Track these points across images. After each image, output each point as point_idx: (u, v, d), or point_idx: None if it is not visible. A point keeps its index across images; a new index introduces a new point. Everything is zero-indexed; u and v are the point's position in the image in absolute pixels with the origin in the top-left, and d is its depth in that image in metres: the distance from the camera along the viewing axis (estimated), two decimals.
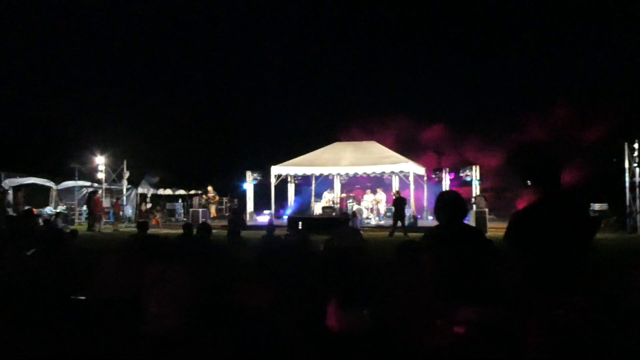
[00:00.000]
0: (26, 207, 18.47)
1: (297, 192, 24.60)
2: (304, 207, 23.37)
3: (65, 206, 22.19)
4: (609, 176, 18.74)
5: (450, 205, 3.44)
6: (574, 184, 19.32)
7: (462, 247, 3.13)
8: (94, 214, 19.00)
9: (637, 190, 16.16)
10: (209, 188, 24.25)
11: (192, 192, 28.31)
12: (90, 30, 45.79)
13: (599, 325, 3.60)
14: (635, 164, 16.20)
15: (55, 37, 40.17)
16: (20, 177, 20.73)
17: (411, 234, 14.57)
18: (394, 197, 17.10)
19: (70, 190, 23.35)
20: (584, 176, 20.89)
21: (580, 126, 24.72)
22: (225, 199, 27.99)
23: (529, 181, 3.21)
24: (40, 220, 15.07)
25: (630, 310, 4.70)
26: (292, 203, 23.82)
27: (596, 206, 17.69)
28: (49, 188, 22.88)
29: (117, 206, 21.07)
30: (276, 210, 21.35)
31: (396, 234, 15.22)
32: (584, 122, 24.50)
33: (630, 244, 13.21)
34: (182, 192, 29.27)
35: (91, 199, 19.75)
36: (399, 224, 15.69)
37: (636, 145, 16.19)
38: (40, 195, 22.72)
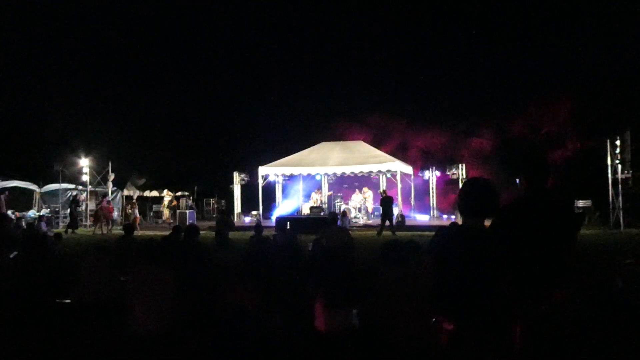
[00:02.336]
0: (9, 211, 18.24)
1: (285, 192, 24.56)
2: (292, 207, 23.33)
3: (48, 209, 21.89)
4: (593, 173, 19.01)
5: (472, 199, 2.80)
6: (557, 181, 19.55)
7: (470, 257, 2.71)
8: (100, 217, 18.94)
9: (620, 186, 16.40)
10: (165, 191, 23.84)
11: (179, 193, 28.08)
12: (73, 30, 45.22)
13: (581, 319, 3.65)
14: (618, 161, 16.45)
15: (38, 37, 39.61)
16: (3, 180, 20.42)
17: (399, 233, 14.62)
18: (381, 197, 17.16)
19: (54, 193, 23.05)
20: (567, 172, 21.16)
21: (562, 123, 25.01)
22: (212, 200, 27.76)
23: (518, 176, 3.22)
24: (24, 224, 14.87)
25: (611, 304, 4.77)
26: (280, 203, 23.77)
27: (580, 202, 17.92)
28: (32, 191, 22.57)
29: (109, 209, 20.60)
30: (264, 210, 21.30)
31: (384, 233, 15.28)
32: (566, 118, 24.79)
33: (613, 239, 13.40)
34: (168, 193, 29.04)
35: (76, 202, 19.62)
36: (387, 223, 15.75)
37: (618, 142, 16.44)
38: (23, 199, 22.41)
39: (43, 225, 15.07)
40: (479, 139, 26.99)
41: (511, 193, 3.44)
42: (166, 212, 22.76)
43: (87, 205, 21.44)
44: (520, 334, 2.90)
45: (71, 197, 21.30)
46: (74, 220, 19.25)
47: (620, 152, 16.37)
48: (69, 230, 18.56)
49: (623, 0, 30.34)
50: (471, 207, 2.78)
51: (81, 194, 21.49)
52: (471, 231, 2.76)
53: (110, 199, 21.29)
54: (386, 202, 16.11)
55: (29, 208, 21.65)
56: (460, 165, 20.63)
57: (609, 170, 16.72)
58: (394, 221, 16.51)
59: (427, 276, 2.88)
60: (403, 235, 12.62)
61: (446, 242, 2.83)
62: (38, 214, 20.09)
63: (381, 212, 16.37)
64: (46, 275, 5.58)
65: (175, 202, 23.94)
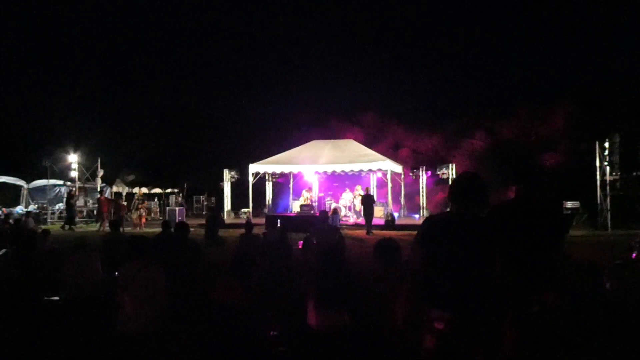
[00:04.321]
0: None
1: (275, 190, 24.50)
2: (282, 205, 23.30)
3: (36, 205, 21.66)
4: (581, 174, 19.16)
5: (465, 190, 2.84)
6: (548, 182, 19.69)
7: (461, 243, 2.72)
8: (100, 214, 18.48)
9: (608, 188, 16.56)
10: (137, 189, 23.31)
11: (169, 190, 27.89)
12: (61, 25, 44.77)
13: (569, 321, 3.68)
14: (606, 163, 16.60)
15: (26, 31, 39.19)
16: None
17: (388, 232, 14.67)
18: (362, 195, 17.14)
19: (42, 189, 22.83)
20: (557, 174, 21.35)
21: (552, 125, 25.20)
22: (202, 197, 27.63)
23: (511, 182, 3.24)
24: (11, 220, 14.71)
25: (599, 305, 4.81)
26: (271, 201, 23.72)
27: (568, 204, 18.06)
28: (20, 187, 22.35)
29: (122, 207, 19.23)
30: (254, 208, 21.24)
31: (375, 231, 15.32)
32: (556, 121, 24.99)
33: (601, 240, 13.53)
34: (157, 190, 28.85)
35: (71, 197, 19.28)
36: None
37: (607, 145, 16.59)
38: (10, 195, 22.19)
39: (31, 222, 14.91)
40: (471, 140, 27.11)
41: (502, 194, 3.48)
42: (135, 215, 20.22)
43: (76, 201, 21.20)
44: (511, 336, 2.92)
45: (65, 193, 21.00)
46: (72, 216, 18.88)
47: (609, 155, 16.51)
48: (66, 227, 18.27)
49: (618, 8, 30.71)
50: (462, 196, 2.83)
51: (72, 189, 21.27)
52: (461, 217, 2.80)
53: (106, 195, 20.89)
54: (367, 200, 16.12)
55: (17, 204, 21.43)
56: (450, 165, 20.73)
57: (598, 172, 16.88)
58: (384, 219, 16.55)
59: (417, 267, 2.84)
60: (391, 235, 12.65)
61: (436, 229, 2.84)
62: (26, 210, 19.87)
63: (363, 210, 16.41)
64: (34, 273, 5.52)
65: (142, 204, 21.22)
